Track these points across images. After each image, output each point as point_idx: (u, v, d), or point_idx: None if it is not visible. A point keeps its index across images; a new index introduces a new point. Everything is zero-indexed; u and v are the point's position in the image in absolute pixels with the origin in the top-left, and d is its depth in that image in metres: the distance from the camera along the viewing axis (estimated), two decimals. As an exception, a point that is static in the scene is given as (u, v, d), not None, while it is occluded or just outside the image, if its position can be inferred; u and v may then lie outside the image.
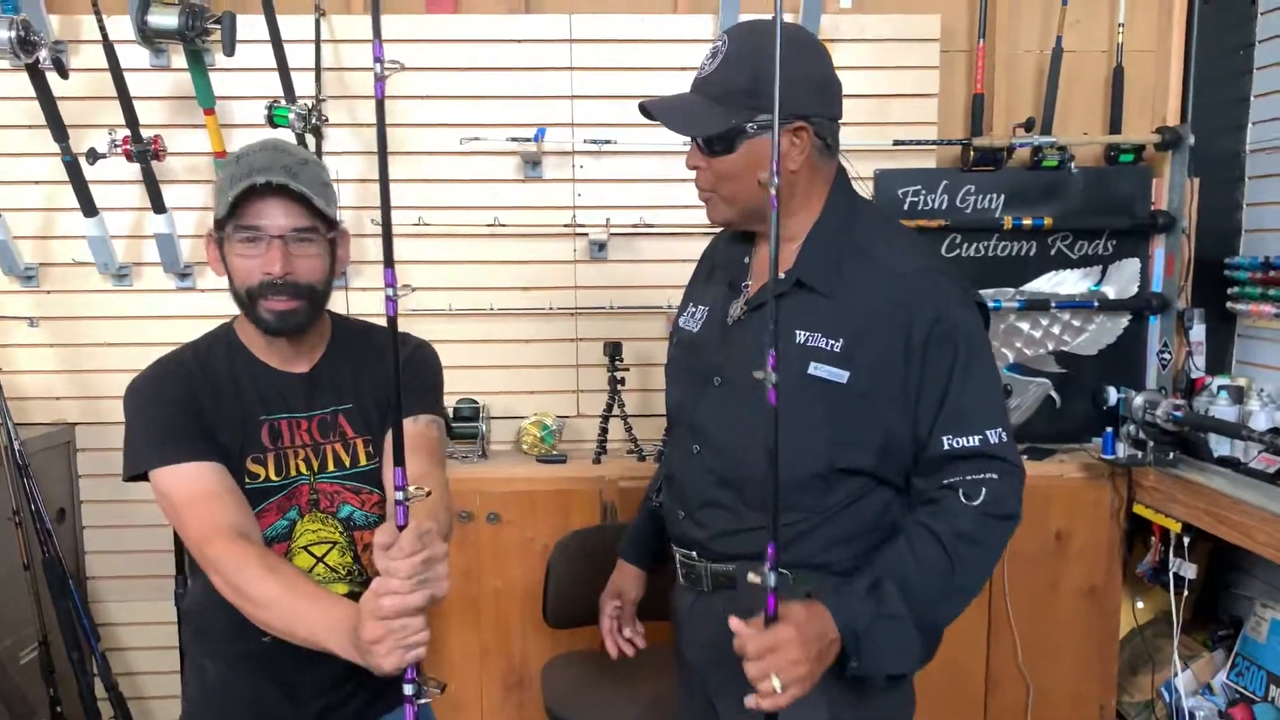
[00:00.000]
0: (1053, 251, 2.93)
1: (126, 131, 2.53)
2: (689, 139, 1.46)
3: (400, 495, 1.13)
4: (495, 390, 2.87)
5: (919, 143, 2.85)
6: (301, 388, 1.56)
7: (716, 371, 1.49)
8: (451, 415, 2.77)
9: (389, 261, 1.11)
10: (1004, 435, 1.38)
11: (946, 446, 1.36)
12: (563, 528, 2.54)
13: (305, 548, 1.53)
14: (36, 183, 2.75)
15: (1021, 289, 2.93)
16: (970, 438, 1.36)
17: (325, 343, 1.60)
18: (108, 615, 2.89)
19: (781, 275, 1.41)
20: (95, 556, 2.88)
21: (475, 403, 2.79)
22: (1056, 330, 2.95)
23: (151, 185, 2.61)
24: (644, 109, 1.44)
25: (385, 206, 1.11)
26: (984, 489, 1.35)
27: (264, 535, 1.48)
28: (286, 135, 2.57)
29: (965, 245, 2.93)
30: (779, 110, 1.28)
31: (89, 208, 2.62)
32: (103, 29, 2.45)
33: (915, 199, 2.91)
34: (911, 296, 1.36)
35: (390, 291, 1.11)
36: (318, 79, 2.70)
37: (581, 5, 2.87)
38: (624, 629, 1.79)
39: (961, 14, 2.96)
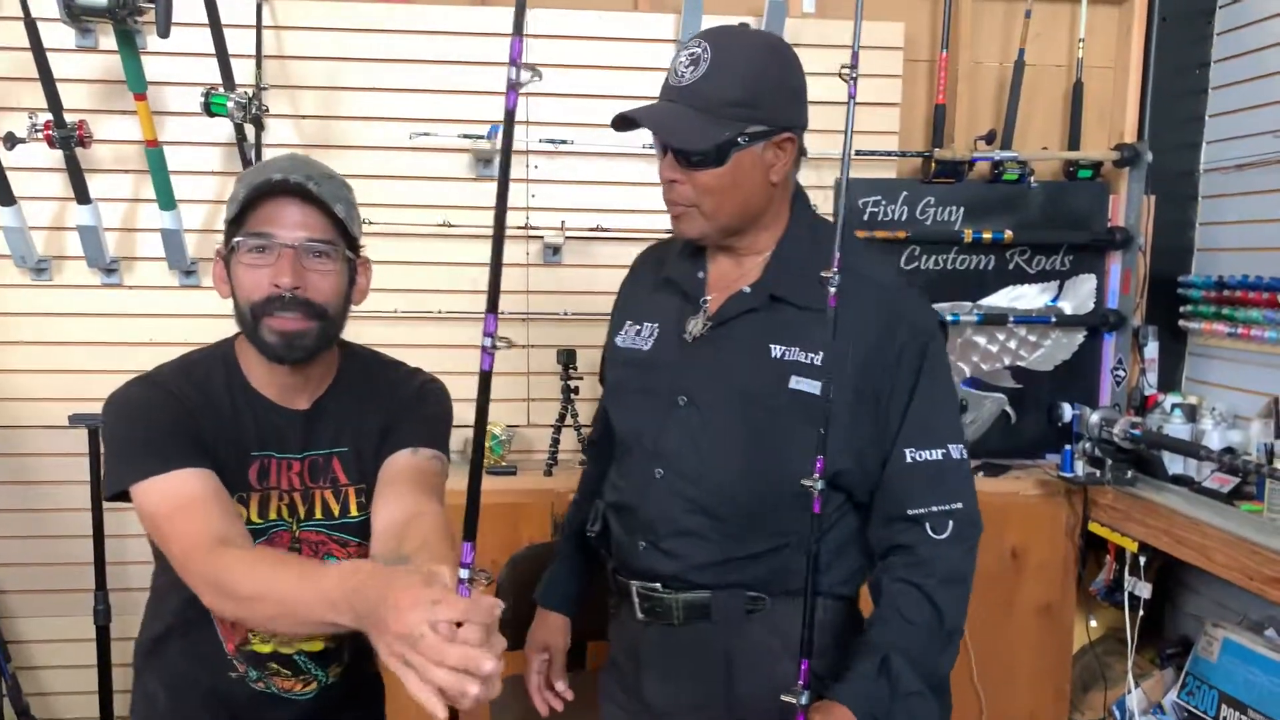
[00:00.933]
0: (1011, 266, 2.91)
1: (49, 115, 2.36)
2: (658, 148, 1.38)
3: (465, 574, 0.92)
4: (442, 398, 2.75)
5: (880, 153, 2.81)
6: (298, 427, 1.42)
7: (680, 392, 1.42)
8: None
9: (493, 306, 0.92)
10: (964, 452, 1.40)
11: (909, 459, 1.36)
12: (513, 543, 2.42)
13: None
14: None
15: (979, 303, 2.91)
16: (933, 451, 1.36)
17: (330, 377, 1.45)
18: (20, 632, 2.69)
19: (747, 289, 1.41)
20: (6, 570, 2.68)
21: (421, 410, 2.66)
22: (1013, 345, 2.93)
23: (75, 173, 2.43)
24: (626, 118, 1.35)
25: (499, 234, 0.94)
26: (950, 521, 1.35)
27: None
28: (224, 125, 2.42)
29: (925, 258, 2.89)
30: (770, 121, 1.32)
31: (6, 196, 2.44)
32: (24, 4, 2.27)
33: (876, 209, 2.86)
34: (892, 309, 1.37)
35: (489, 342, 0.92)
36: (258, 66, 2.55)
37: (540, 0, 2.77)
38: (555, 683, 1.67)
39: (924, 23, 2.92)
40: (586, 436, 1.81)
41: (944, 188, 2.87)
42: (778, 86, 1.33)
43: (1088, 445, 2.70)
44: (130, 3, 2.12)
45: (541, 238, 2.72)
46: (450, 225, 2.68)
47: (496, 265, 0.94)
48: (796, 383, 1.34)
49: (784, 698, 1.26)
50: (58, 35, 2.51)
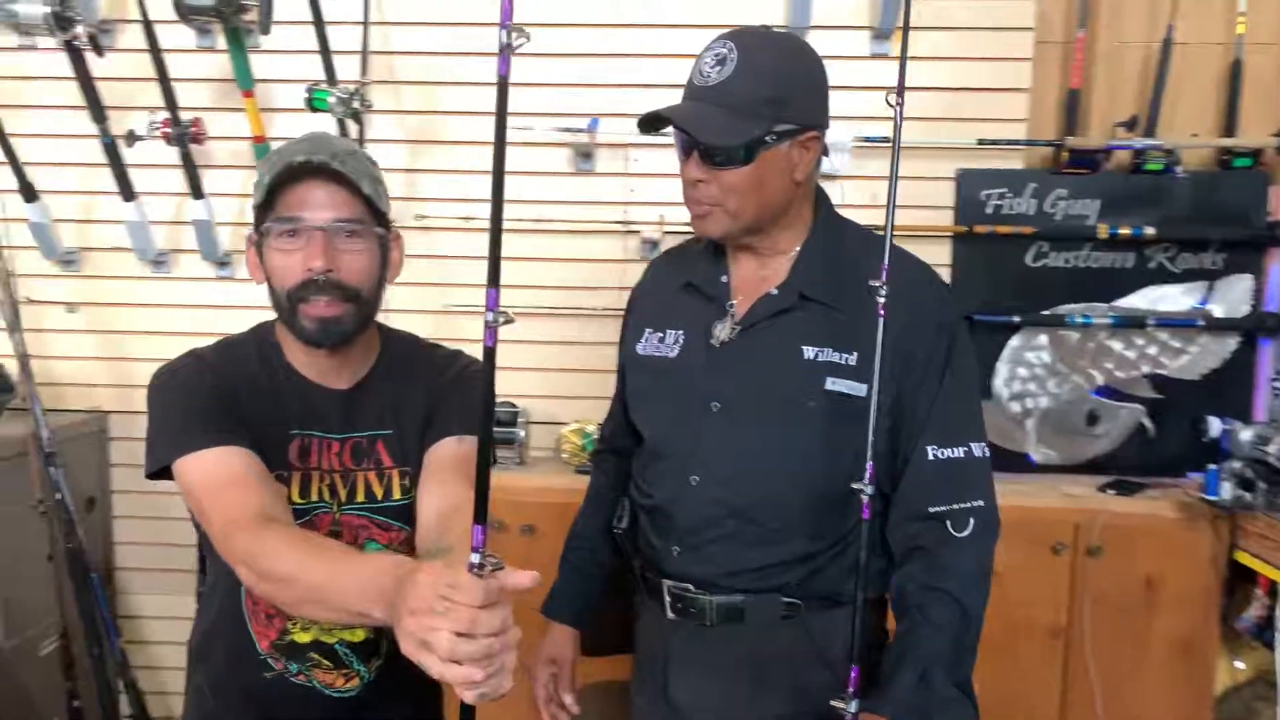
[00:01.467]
0: (1152, 264, 2.65)
1: (168, 114, 2.45)
2: (680, 149, 1.38)
3: (476, 558, 0.88)
4: (535, 394, 2.71)
5: (1006, 142, 2.60)
6: (339, 406, 1.39)
7: (712, 397, 1.41)
8: (489, 419, 2.63)
9: (494, 280, 0.87)
10: (986, 450, 1.39)
11: (931, 456, 1.35)
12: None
13: None
14: (80, 165, 2.69)
15: (1115, 304, 2.66)
16: (955, 449, 1.35)
17: (372, 359, 1.43)
18: (135, 607, 2.83)
19: (775, 290, 1.40)
20: (125, 547, 2.82)
21: (514, 407, 2.64)
22: (1153, 351, 2.67)
23: (190, 170, 2.53)
24: (654, 117, 1.34)
25: (497, 211, 0.88)
26: (971, 519, 1.34)
27: None
28: (327, 120, 2.46)
29: (1053, 254, 2.66)
30: (797, 120, 1.33)
31: (127, 192, 2.56)
32: (142, 7, 2.37)
33: (1000, 203, 2.66)
34: (918, 306, 1.36)
35: (490, 316, 0.87)
36: (364, 62, 2.58)
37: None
38: (563, 697, 1.64)
39: (1059, 1, 2.70)
40: (595, 445, 1.78)
41: (1078, 179, 2.64)
42: (804, 85, 1.34)
43: (1237, 465, 2.41)
44: (235, 2, 2.17)
45: (639, 232, 2.65)
46: (548, 221, 2.65)
47: (496, 233, 0.89)
48: (833, 384, 1.34)
49: (834, 703, 1.26)
50: (180, 37, 2.61)
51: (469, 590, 0.88)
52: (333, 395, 1.40)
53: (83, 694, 2.47)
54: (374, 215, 1.32)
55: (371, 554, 1.15)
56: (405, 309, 2.69)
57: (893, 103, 1.34)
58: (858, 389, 1.33)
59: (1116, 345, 2.67)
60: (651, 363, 1.50)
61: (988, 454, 1.38)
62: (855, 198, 2.66)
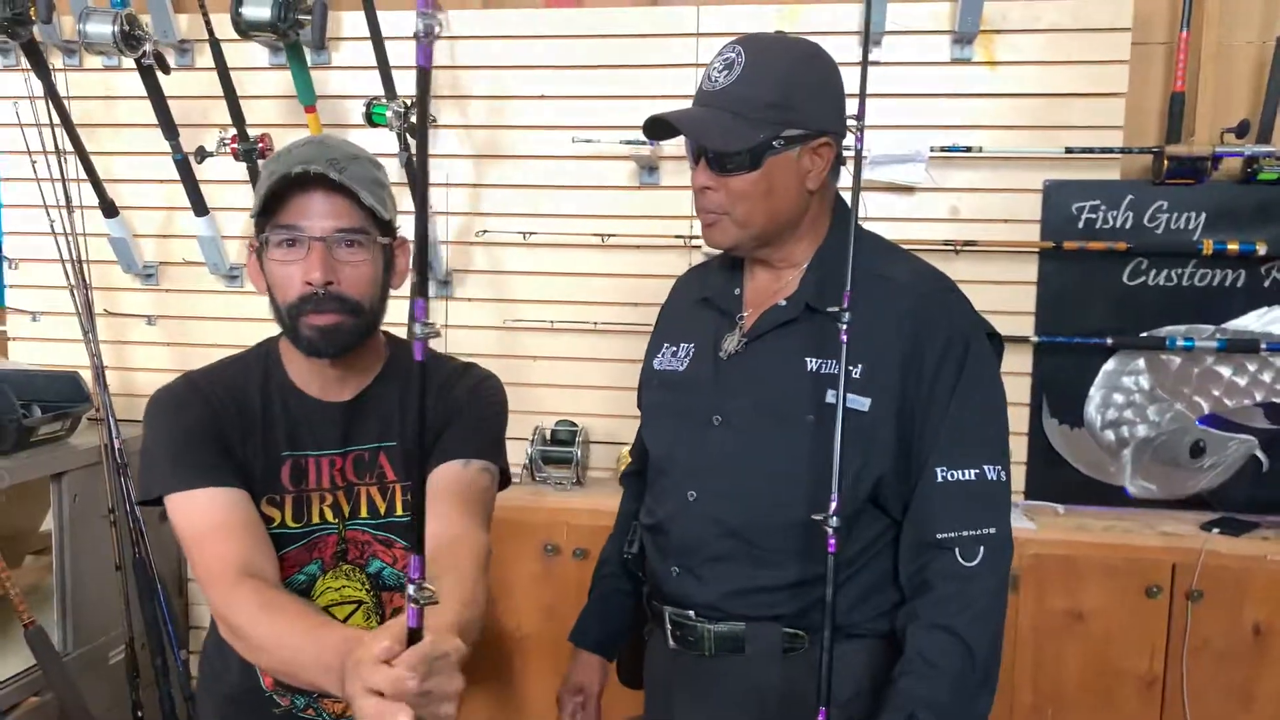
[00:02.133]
0: (1266, 283, 2.43)
1: (236, 130, 2.49)
2: (690, 155, 1.34)
3: (413, 590, 0.86)
4: (596, 413, 2.65)
5: (1099, 151, 2.42)
6: (339, 420, 1.35)
7: (715, 411, 1.37)
8: (549, 437, 2.58)
9: (422, 290, 0.80)
10: (1002, 473, 1.29)
11: (940, 478, 1.27)
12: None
13: (325, 609, 1.32)
14: (160, 182, 2.76)
15: (1223, 327, 2.45)
16: (966, 471, 1.27)
17: (376, 368, 1.39)
18: (205, 619, 2.87)
19: (783, 302, 1.36)
20: (196, 558, 2.86)
21: (574, 425, 2.58)
22: (1267, 378, 2.44)
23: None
24: (659, 122, 1.30)
25: (421, 209, 0.81)
26: (981, 547, 1.25)
27: None
28: (385, 135, 2.45)
29: (1152, 272, 2.46)
30: (807, 124, 1.27)
31: (200, 207, 2.60)
32: (208, 25, 2.41)
33: (1092, 216, 2.48)
34: (928, 315, 1.30)
35: (418, 328, 0.80)
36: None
37: (713, -4, 2.63)
38: None
39: (1160, 0, 2.51)
40: (623, 468, 1.73)
41: (1180, 190, 2.44)
42: (814, 89, 1.30)
43: (1362, 505, 2.19)
44: (291, 15, 2.18)
45: (700, 247, 2.56)
46: (610, 236, 2.59)
47: (422, 239, 0.81)
48: (832, 397, 1.27)
49: None
50: (253, 55, 2.66)
51: (397, 683, 0.88)
52: (333, 408, 1.36)
53: (146, 703, 2.51)
54: (377, 223, 1.28)
55: (333, 628, 1.11)
56: (467, 324, 2.67)
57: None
58: (860, 402, 1.27)
59: (1225, 371, 2.46)
60: (663, 376, 1.47)
61: (1004, 478, 1.29)
62: (933, 210, 2.52)
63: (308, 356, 1.30)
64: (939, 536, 1.26)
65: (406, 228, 2.31)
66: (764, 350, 1.35)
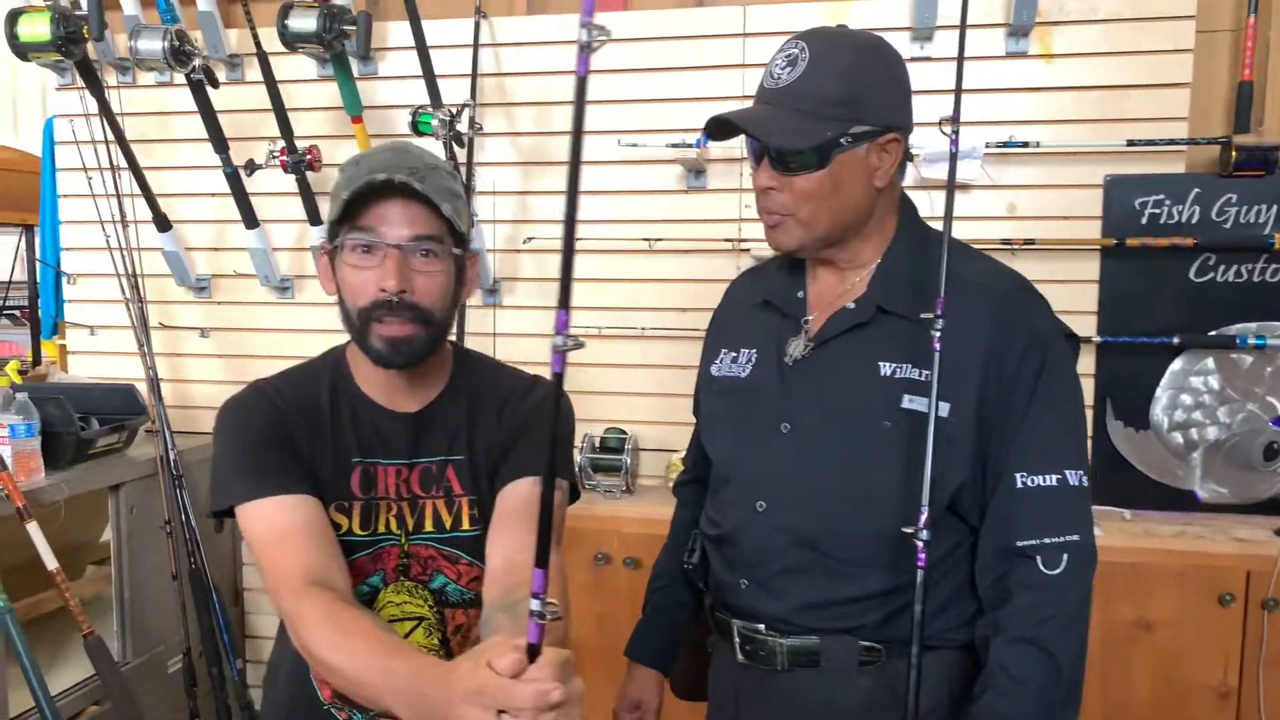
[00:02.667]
0: (1341, 277, 2.33)
1: (284, 143, 2.50)
2: (751, 156, 1.31)
3: (537, 605, 0.85)
4: (646, 420, 2.63)
5: (1163, 142, 2.34)
6: (407, 430, 1.33)
7: (782, 418, 1.32)
8: (598, 445, 2.56)
9: (564, 302, 0.79)
10: (1084, 479, 1.25)
11: (1020, 484, 1.23)
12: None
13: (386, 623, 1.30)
14: (211, 195, 2.79)
15: (1298, 323, 2.35)
16: (1048, 476, 1.22)
17: (444, 380, 1.37)
18: (261, 628, 2.89)
19: (851, 305, 1.31)
20: (252, 569, 2.89)
21: (623, 433, 2.56)
22: (1345, 377, 2.34)
23: (307, 197, 2.57)
24: (721, 122, 1.26)
25: (570, 229, 0.80)
26: (1065, 555, 1.21)
27: None
28: (432, 144, 2.45)
29: (1221, 269, 2.37)
30: (874, 120, 1.24)
31: (250, 220, 2.63)
32: (256, 40, 2.43)
33: (1156, 211, 2.39)
34: (1006, 316, 1.25)
35: (559, 340, 0.78)
36: (473, 84, 2.57)
37: (757, -5, 2.60)
38: None
39: (1226, -15, 2.42)
40: (677, 477, 1.69)
41: (1250, 182, 2.34)
42: (881, 84, 1.26)
43: None
44: (336, 26, 2.18)
45: (750, 250, 2.52)
46: (658, 240, 2.56)
47: (568, 255, 0.80)
48: (910, 402, 1.24)
49: None
50: (301, 68, 2.68)
51: (541, 696, 0.86)
52: (401, 419, 1.33)
53: (203, 712, 2.53)
54: (452, 234, 1.26)
55: (403, 655, 1.08)
56: (513, 333, 2.66)
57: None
58: (940, 408, 1.22)
59: (1300, 369, 2.36)
60: (724, 383, 1.42)
61: (1086, 484, 1.25)
62: (991, 208, 2.45)
63: (377, 366, 1.28)
64: (1020, 545, 1.22)
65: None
66: (833, 355, 1.30)
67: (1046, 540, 1.21)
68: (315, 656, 1.13)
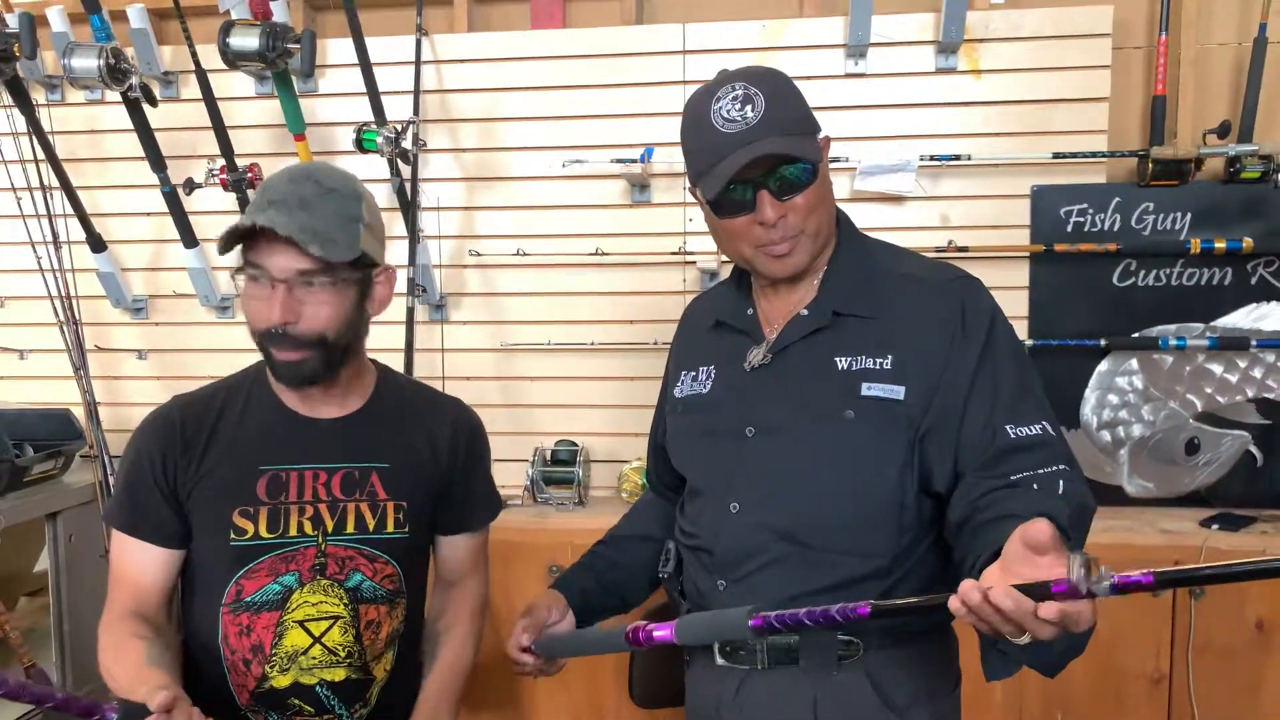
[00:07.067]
0: (1253, 280, 2.46)
1: (225, 161, 2.47)
2: (741, 205, 1.30)
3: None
4: (595, 431, 2.65)
5: (1085, 155, 2.45)
6: (328, 437, 1.42)
7: (746, 423, 1.36)
8: (549, 458, 2.57)
9: None
10: (1058, 427, 1.26)
11: (1012, 435, 1.22)
12: (661, 589, 2.29)
13: (301, 623, 1.36)
14: (148, 214, 2.74)
15: (1213, 324, 2.48)
16: (1032, 426, 1.23)
17: (367, 390, 1.47)
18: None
19: (805, 311, 1.36)
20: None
21: (574, 445, 2.58)
22: (1258, 374, 2.47)
23: (248, 215, 2.54)
24: (721, 176, 1.27)
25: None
26: (1061, 481, 1.17)
27: (252, 600, 1.35)
28: (377, 161, 2.44)
29: (1142, 273, 2.49)
30: (817, 131, 1.33)
31: (189, 239, 2.59)
32: (194, 57, 2.40)
33: (1081, 219, 2.50)
34: (956, 300, 1.31)
35: None
36: (415, 101, 2.57)
37: (697, 14, 2.64)
38: (520, 638, 1.42)
39: (1139, 5, 2.54)
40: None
41: (1165, 191, 2.47)
42: (803, 99, 1.34)
43: (1357, 496, 2.22)
44: (279, 45, 2.17)
45: (696, 263, 2.57)
46: (603, 254, 2.59)
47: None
48: (869, 389, 1.28)
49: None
50: (238, 85, 2.65)
51: None
52: (321, 426, 1.43)
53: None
54: (349, 260, 1.32)
55: (143, 680, 1.22)
56: (461, 348, 2.67)
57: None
58: (894, 391, 1.27)
59: (1216, 368, 2.49)
60: (688, 402, 1.46)
61: (1060, 432, 1.25)
62: (924, 219, 2.54)
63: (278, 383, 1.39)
64: (1014, 478, 1.19)
65: (398, 253, 2.30)
66: (791, 359, 1.35)
67: (1040, 471, 1.19)
68: (100, 662, 1.34)
